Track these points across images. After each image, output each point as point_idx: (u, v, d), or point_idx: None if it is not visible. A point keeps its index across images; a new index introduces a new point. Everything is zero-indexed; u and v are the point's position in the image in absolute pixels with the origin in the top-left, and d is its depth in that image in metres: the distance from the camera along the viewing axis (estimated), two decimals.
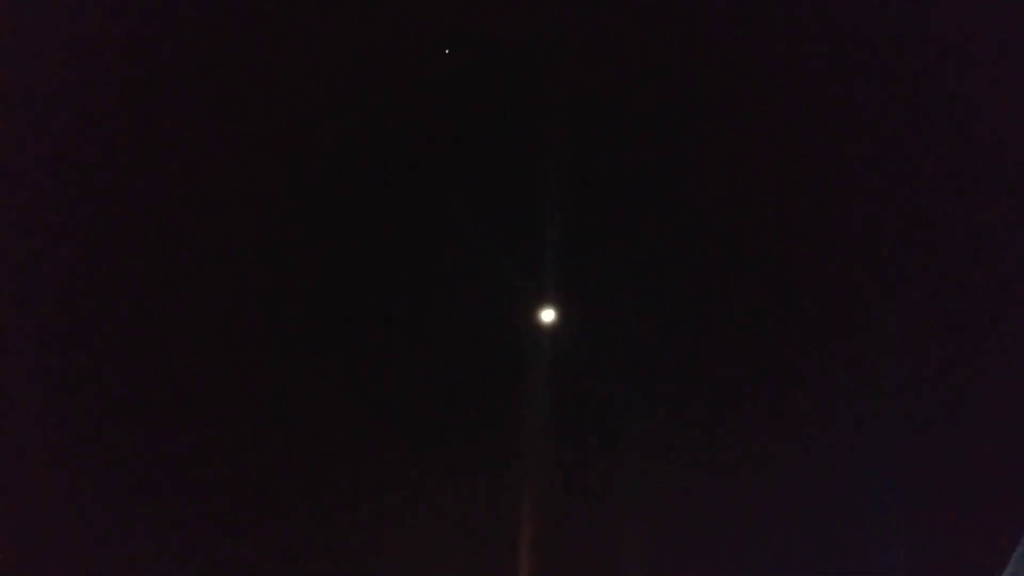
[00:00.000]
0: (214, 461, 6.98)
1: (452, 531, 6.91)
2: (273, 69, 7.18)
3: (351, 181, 7.30)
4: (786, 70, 7.20)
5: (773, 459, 6.95)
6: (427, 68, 7.24)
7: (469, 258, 7.19)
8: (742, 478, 6.95)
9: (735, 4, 7.23)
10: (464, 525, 6.91)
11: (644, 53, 7.23)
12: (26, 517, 6.72)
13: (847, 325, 7.10)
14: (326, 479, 7.02)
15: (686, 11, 7.24)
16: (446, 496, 6.98)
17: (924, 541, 6.73)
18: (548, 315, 7.22)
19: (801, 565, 6.80)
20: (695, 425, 7.10)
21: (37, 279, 6.96)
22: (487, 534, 6.89)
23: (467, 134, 7.29)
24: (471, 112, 7.28)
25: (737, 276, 7.22)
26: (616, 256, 7.25)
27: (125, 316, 7.06)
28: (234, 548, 6.84)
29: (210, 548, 6.81)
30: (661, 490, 6.98)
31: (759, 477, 6.94)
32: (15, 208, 6.94)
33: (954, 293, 6.98)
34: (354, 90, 7.22)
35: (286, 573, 6.89)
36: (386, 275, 7.28)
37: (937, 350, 6.97)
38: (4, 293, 6.91)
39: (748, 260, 7.24)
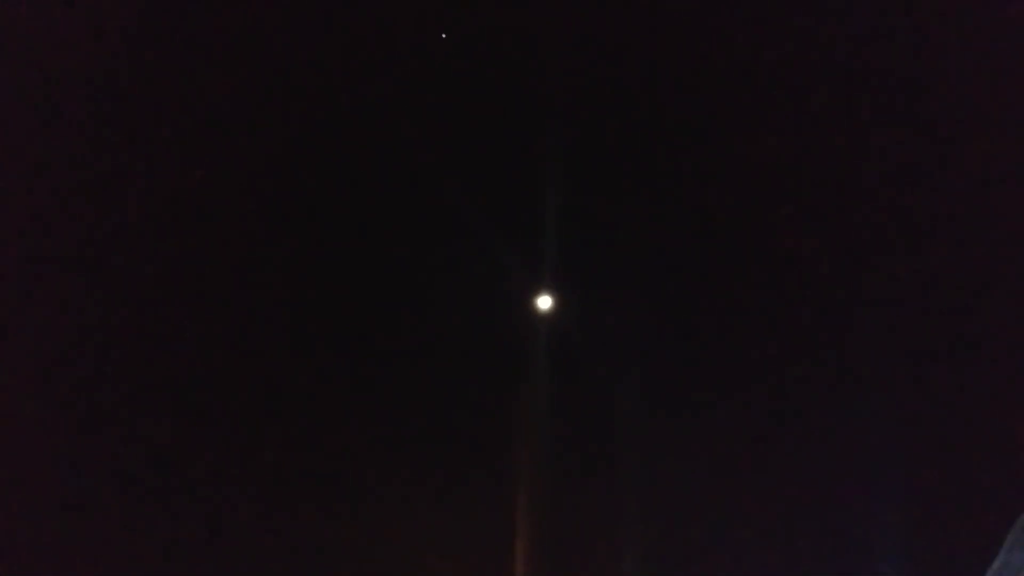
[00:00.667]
0: (214, 460, 6.99)
1: (450, 517, 6.94)
2: (273, 62, 7.20)
3: (350, 172, 7.32)
4: (780, 64, 7.22)
5: (771, 452, 6.97)
6: (427, 58, 7.26)
7: (467, 246, 7.22)
8: (739, 471, 6.97)
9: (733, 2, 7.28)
10: (461, 512, 6.94)
11: (641, 46, 7.25)
12: (25, 517, 6.73)
13: (847, 320, 7.11)
14: (326, 469, 7.06)
15: (684, 6, 7.28)
16: (443, 482, 7.02)
17: (922, 540, 6.75)
18: (545, 302, 7.26)
19: (801, 565, 6.82)
20: (692, 412, 7.12)
21: (38, 279, 6.96)
22: (484, 522, 6.92)
23: (465, 124, 7.31)
24: (469, 103, 7.31)
25: (735, 265, 7.24)
26: (613, 244, 7.29)
27: (126, 316, 7.07)
28: (234, 548, 6.84)
29: (211, 548, 6.82)
30: (658, 479, 7.00)
31: (756, 471, 6.95)
32: (14, 208, 6.96)
33: (953, 293, 7.00)
34: (354, 81, 7.24)
35: (286, 573, 6.90)
36: (383, 264, 7.31)
37: (936, 349, 6.99)
38: (4, 293, 6.91)
39: (745, 249, 7.25)
